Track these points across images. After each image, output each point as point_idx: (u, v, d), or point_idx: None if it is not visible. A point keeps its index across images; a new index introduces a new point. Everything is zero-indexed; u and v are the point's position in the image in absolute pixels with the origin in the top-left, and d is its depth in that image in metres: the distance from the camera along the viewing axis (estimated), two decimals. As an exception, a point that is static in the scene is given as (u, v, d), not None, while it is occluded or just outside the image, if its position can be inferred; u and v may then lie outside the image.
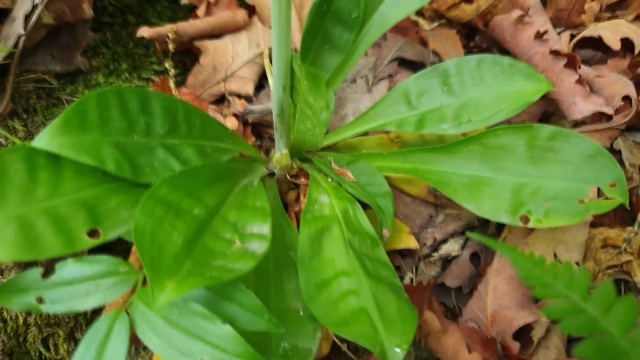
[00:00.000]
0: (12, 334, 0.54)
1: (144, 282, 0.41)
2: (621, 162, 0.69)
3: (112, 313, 0.38)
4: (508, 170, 0.53)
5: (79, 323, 0.56)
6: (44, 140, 0.39)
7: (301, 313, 0.48)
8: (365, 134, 0.67)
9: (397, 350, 0.43)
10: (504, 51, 0.75)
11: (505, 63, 0.60)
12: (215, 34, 0.69)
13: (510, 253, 0.44)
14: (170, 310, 0.37)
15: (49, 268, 0.40)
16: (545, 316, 0.51)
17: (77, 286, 0.39)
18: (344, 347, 0.59)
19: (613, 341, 0.39)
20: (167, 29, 0.64)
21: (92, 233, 0.39)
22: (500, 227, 0.64)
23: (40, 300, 0.39)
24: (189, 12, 0.74)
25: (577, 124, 0.66)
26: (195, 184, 0.45)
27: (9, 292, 0.39)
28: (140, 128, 0.46)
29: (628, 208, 0.51)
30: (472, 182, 0.55)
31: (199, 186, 0.45)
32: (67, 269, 0.40)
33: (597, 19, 0.80)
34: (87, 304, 0.39)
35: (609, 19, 0.80)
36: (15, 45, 0.56)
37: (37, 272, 0.40)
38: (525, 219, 0.50)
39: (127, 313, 0.38)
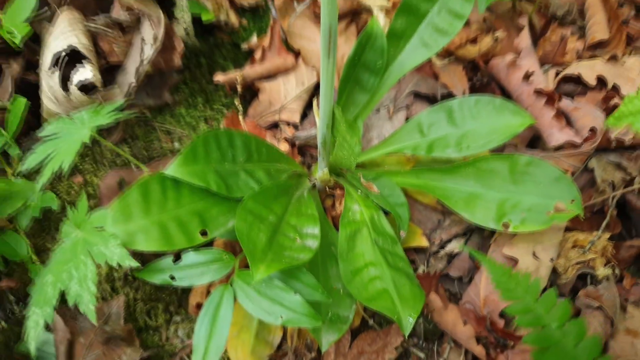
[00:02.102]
0: (125, 306, 0.73)
1: (241, 266, 0.60)
2: (594, 179, 0.85)
3: (222, 287, 0.58)
4: (495, 188, 0.71)
5: (172, 299, 0.75)
6: (171, 170, 0.58)
7: (341, 292, 0.67)
8: (387, 154, 0.85)
9: (410, 319, 0.61)
10: (500, 87, 0.92)
11: (497, 102, 0.77)
12: (270, 76, 0.87)
13: (486, 263, 0.62)
14: (260, 285, 0.56)
15: (177, 256, 0.59)
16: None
17: (195, 269, 0.59)
18: (371, 322, 0.77)
19: (551, 333, 0.56)
20: (235, 74, 0.83)
21: (203, 233, 0.58)
22: (494, 230, 0.82)
23: (172, 278, 0.58)
24: (249, 54, 0.93)
25: (557, 148, 0.83)
26: (268, 198, 0.63)
27: (152, 272, 0.58)
28: (229, 158, 0.65)
29: (582, 218, 0.69)
30: (468, 197, 0.72)
31: (270, 199, 0.64)
32: (189, 257, 0.59)
33: (580, 57, 0.96)
34: (202, 281, 0.58)
35: (590, 57, 0.96)
36: (128, 91, 0.75)
37: (169, 259, 0.59)
38: (506, 226, 0.68)
39: (231, 285, 0.57)
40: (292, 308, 0.54)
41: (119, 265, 0.52)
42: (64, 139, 0.62)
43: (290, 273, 0.58)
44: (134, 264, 0.52)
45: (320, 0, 0.60)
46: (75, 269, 0.51)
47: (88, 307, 0.50)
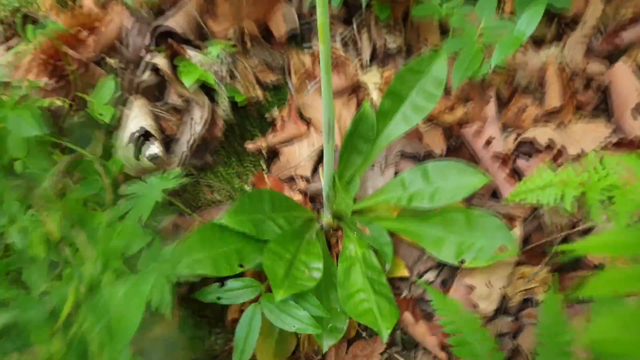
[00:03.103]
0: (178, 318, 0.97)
1: (266, 290, 0.84)
2: (544, 223, 1.07)
3: (253, 305, 0.82)
4: (455, 233, 0.94)
5: (213, 315, 1.00)
6: (223, 220, 0.84)
7: (338, 310, 0.90)
8: (378, 203, 1.09)
9: (387, 330, 0.84)
10: (469, 149, 1.16)
11: (460, 166, 1.01)
12: (288, 141, 1.13)
13: (435, 297, 0.85)
14: (279, 304, 0.80)
15: (222, 282, 0.84)
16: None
17: (235, 292, 0.83)
18: (364, 334, 1.00)
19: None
20: (260, 143, 1.09)
21: (240, 265, 0.83)
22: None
23: (218, 298, 0.83)
24: (272, 123, 1.19)
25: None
26: (286, 241, 0.88)
27: (204, 293, 0.83)
28: (259, 209, 0.90)
29: (517, 257, 0.91)
30: (436, 239, 0.96)
31: (288, 242, 0.88)
32: (231, 283, 0.84)
33: (537, 122, 1.20)
34: (239, 300, 0.83)
35: (544, 122, 1.19)
36: (182, 159, 1.01)
37: (216, 284, 0.84)
38: (462, 262, 0.91)
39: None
40: (301, 320, 0.78)
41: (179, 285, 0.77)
42: (142, 198, 0.88)
43: (301, 296, 0.82)
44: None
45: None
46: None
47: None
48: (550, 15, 1.27)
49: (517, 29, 1.04)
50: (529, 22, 1.03)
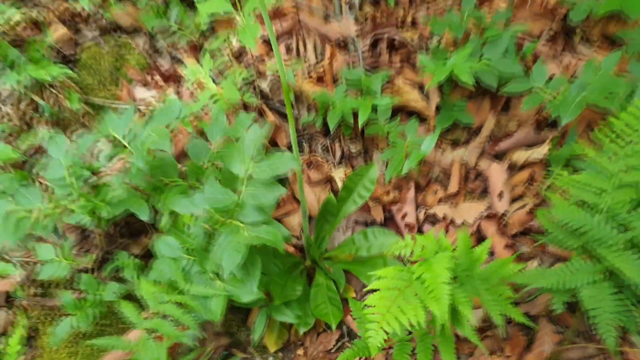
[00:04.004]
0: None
1: (270, 300, 1.56)
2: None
3: (262, 310, 1.54)
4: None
5: (239, 319, 1.70)
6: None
7: (309, 313, 1.61)
8: (340, 252, 1.80)
9: (334, 323, 1.55)
10: (395, 219, 1.87)
11: (385, 231, 1.73)
12: (286, 214, 1.87)
13: (355, 308, 1.57)
14: (278, 306, 1.52)
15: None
16: None
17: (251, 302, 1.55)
18: (328, 330, 1.70)
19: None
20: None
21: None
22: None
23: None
24: (275, 203, 1.93)
25: (419, 250, 1.77)
26: (283, 275, 1.60)
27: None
28: (275, 263, 1.62)
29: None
30: (369, 275, 1.66)
31: (283, 276, 1.60)
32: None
33: (440, 201, 1.91)
34: (255, 306, 1.54)
35: (445, 202, 1.91)
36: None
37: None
38: (381, 287, 1.62)
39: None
40: (288, 316, 1.49)
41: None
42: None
43: (288, 303, 1.53)
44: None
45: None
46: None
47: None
48: (465, 125, 1.97)
49: (422, 148, 1.79)
50: (429, 144, 1.78)
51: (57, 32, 2.09)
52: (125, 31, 2.25)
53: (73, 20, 2.21)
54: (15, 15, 1.98)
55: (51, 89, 1.99)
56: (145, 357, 1.10)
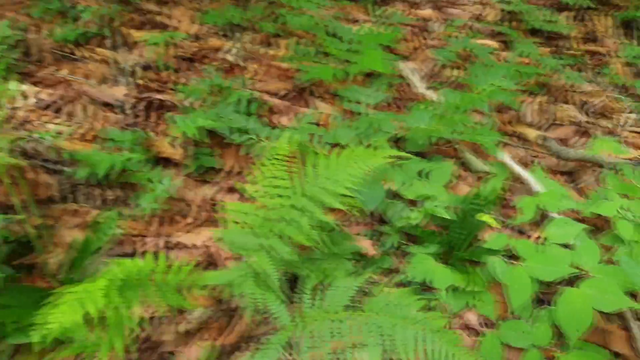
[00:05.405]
0: None
1: None
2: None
3: None
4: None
5: None
6: None
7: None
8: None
9: None
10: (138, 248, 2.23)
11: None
12: None
13: None
14: None
15: None
16: None
17: None
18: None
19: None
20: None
21: None
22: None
23: None
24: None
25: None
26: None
27: None
28: None
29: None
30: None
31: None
32: None
33: (179, 230, 2.31)
34: None
35: (184, 229, 2.31)
36: None
37: None
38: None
39: None
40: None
41: None
42: None
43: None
44: None
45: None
46: None
47: None
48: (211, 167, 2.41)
49: (165, 189, 2.18)
50: (172, 186, 2.18)
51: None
52: None
53: None
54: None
55: None
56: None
